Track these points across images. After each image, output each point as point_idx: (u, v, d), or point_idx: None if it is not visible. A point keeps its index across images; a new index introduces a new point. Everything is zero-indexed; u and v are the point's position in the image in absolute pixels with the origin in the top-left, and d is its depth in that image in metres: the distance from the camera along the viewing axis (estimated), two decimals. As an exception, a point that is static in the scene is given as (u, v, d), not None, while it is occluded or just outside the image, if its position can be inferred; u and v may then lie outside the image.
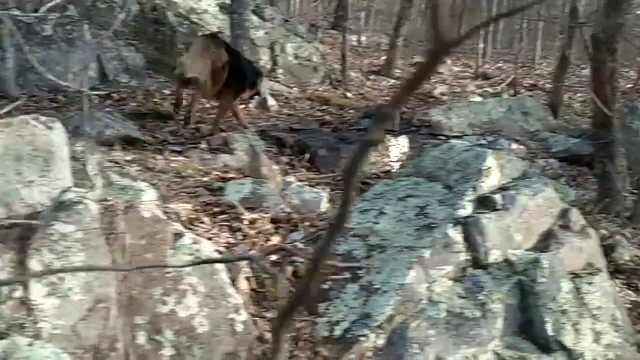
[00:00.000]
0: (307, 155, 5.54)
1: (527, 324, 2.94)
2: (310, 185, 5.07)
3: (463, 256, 2.99)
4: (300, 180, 4.72)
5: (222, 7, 8.76)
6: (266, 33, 8.78)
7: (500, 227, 3.08)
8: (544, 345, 2.88)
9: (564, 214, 3.35)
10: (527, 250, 3.14)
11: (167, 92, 7.16)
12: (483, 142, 6.65)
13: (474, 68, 13.49)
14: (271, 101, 7.51)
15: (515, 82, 11.06)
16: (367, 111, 6.50)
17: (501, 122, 7.65)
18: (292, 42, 9.09)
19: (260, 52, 8.70)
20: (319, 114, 7.58)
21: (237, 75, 5.66)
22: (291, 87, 8.55)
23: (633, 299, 3.89)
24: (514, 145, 6.57)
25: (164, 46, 7.76)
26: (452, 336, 2.77)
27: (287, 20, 9.40)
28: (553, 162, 6.39)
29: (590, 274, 3.15)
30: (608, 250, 4.77)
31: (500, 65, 15.09)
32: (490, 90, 11.29)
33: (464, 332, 2.79)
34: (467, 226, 3.02)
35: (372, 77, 11.80)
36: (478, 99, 9.67)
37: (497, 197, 3.15)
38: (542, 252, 3.13)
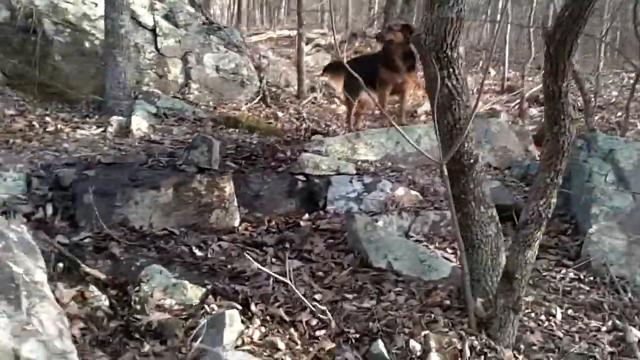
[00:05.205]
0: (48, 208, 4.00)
1: None
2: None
3: None
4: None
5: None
6: (177, 42, 7.31)
7: None
8: None
9: None
10: None
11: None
12: (357, 184, 4.76)
13: (499, 80, 11.26)
14: (138, 124, 6.07)
15: (524, 98, 8.78)
16: (194, 140, 4.82)
17: (433, 153, 5.65)
18: (213, 51, 7.52)
19: (170, 63, 7.26)
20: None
21: None
22: (200, 106, 7.02)
23: None
24: (401, 191, 4.60)
25: (31, 59, 6.53)
26: None
27: (218, 28, 7.85)
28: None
29: None
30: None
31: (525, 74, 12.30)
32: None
33: None
34: None
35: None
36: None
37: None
38: None
